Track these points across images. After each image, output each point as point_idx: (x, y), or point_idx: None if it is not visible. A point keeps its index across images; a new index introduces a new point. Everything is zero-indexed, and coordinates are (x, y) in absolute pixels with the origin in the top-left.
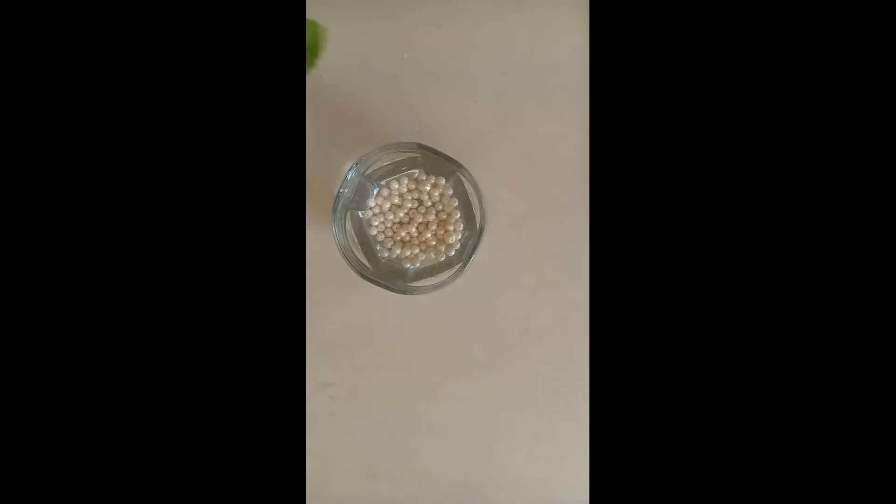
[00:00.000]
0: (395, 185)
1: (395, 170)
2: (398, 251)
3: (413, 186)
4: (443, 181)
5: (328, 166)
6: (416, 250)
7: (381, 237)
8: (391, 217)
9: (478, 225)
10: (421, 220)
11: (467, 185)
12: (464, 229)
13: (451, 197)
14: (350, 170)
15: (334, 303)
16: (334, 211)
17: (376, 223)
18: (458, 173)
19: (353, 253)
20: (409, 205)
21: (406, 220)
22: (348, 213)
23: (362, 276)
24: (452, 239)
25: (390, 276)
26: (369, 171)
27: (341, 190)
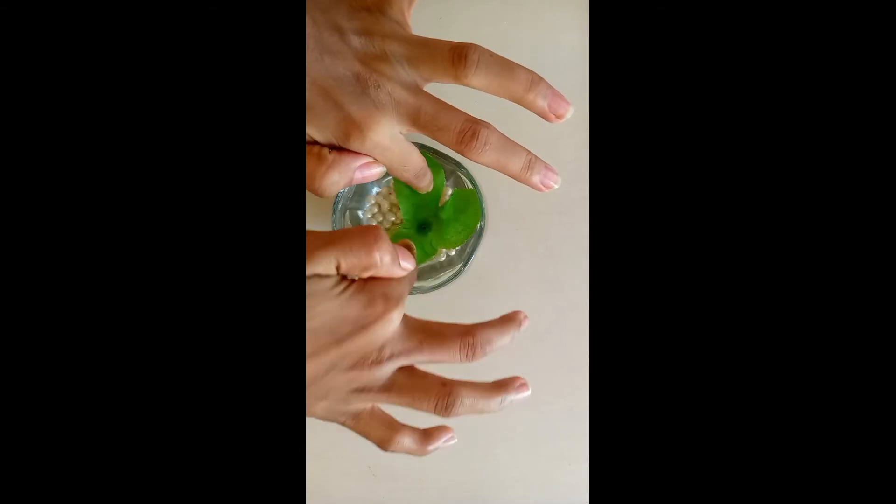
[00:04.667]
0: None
1: None
2: None
3: None
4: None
5: None
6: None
7: None
8: (391, 217)
9: (478, 225)
10: None
11: (467, 184)
12: None
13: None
14: None
15: None
16: (334, 211)
17: (376, 223)
18: (458, 173)
19: None
20: None
21: None
22: (348, 213)
23: None
24: None
25: None
26: None
27: (341, 190)
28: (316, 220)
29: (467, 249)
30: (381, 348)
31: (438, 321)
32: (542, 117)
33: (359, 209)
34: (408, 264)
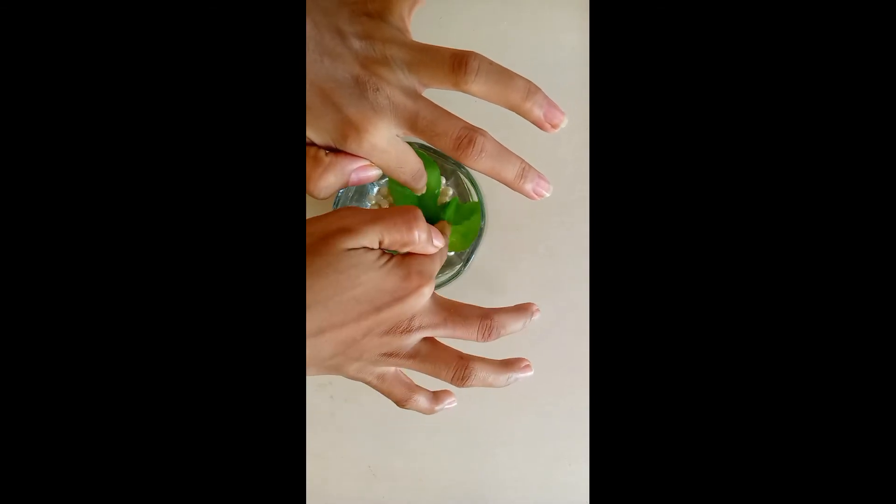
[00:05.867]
0: None
1: None
2: None
3: None
4: (443, 181)
5: None
6: None
7: None
8: None
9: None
10: None
11: (467, 184)
12: None
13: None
14: None
15: None
16: None
17: None
18: (458, 173)
19: None
20: None
21: None
22: None
23: None
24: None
25: None
26: None
27: (341, 189)
28: None
29: (467, 249)
30: (412, 319)
31: (462, 301)
32: (538, 126)
33: None
34: (439, 242)
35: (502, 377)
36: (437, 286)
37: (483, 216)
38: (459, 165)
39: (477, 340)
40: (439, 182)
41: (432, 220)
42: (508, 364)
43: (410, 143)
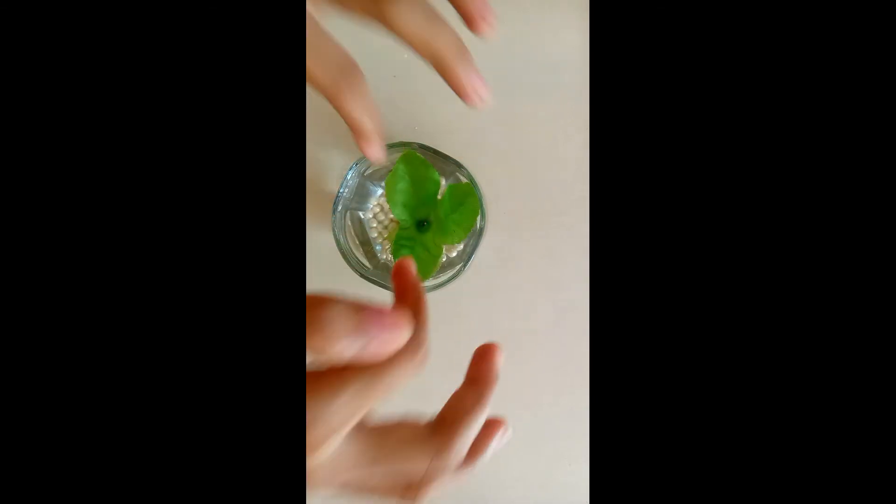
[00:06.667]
0: None
1: None
2: None
3: None
4: (443, 181)
5: (328, 166)
6: None
7: (380, 237)
8: (391, 217)
9: (478, 225)
10: None
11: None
12: None
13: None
14: (350, 170)
15: None
16: (334, 211)
17: (376, 223)
18: (458, 173)
19: (352, 253)
20: None
21: None
22: (348, 214)
23: (362, 275)
24: None
25: (390, 277)
26: (369, 171)
27: (341, 190)
28: (316, 220)
29: (467, 249)
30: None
31: (401, 424)
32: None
33: (360, 210)
34: (396, 337)
35: (464, 475)
36: (438, 286)
37: (483, 216)
38: (459, 166)
39: None
40: (438, 185)
41: (430, 221)
42: (473, 453)
43: (410, 147)
